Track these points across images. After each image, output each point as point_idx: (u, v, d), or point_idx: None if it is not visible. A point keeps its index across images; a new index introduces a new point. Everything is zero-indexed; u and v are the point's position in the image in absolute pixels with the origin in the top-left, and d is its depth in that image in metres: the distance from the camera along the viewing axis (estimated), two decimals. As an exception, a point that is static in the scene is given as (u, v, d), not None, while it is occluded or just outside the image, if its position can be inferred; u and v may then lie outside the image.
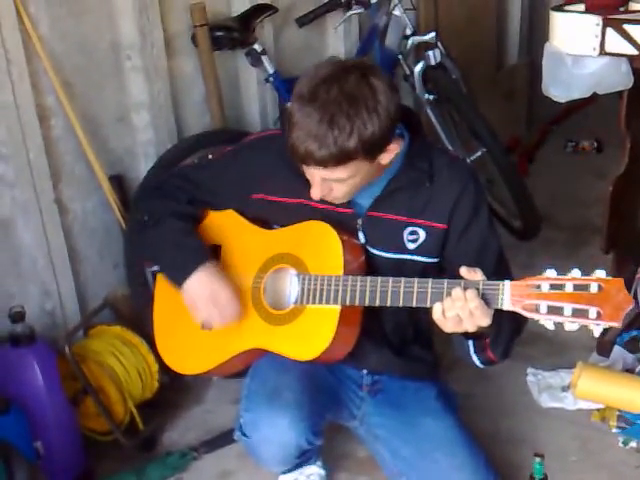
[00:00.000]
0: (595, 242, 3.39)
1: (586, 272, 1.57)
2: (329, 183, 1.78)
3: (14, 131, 2.27)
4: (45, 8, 2.35)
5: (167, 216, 2.01)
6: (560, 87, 2.36)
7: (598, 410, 2.42)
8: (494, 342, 1.81)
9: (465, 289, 1.64)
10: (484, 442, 2.09)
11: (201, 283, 1.91)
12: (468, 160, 3.09)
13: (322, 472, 2.17)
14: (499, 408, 2.51)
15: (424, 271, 1.88)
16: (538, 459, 1.91)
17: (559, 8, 2.40)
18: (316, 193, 1.79)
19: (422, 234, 1.90)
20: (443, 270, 1.92)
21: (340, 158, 1.68)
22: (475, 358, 1.86)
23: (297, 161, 1.74)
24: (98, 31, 2.53)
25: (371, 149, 1.71)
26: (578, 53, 2.30)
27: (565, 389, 2.51)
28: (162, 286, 2.12)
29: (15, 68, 2.24)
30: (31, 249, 2.42)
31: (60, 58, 2.41)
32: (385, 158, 1.78)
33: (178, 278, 1.94)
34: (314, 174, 1.76)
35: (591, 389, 2.32)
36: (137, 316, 2.58)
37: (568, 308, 1.55)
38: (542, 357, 2.69)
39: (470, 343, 1.82)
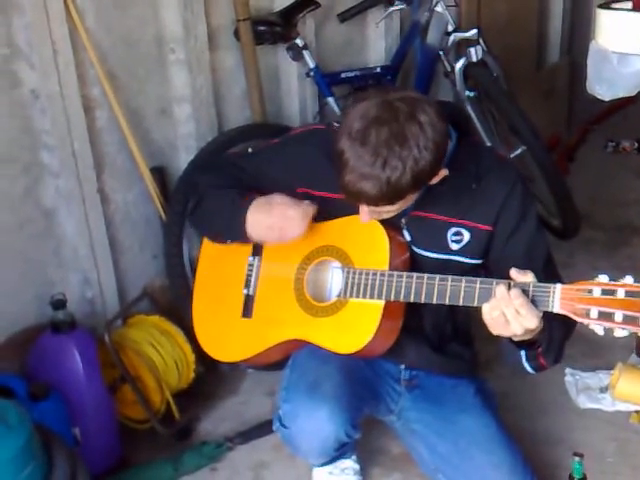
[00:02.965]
0: (635, 242, 3.38)
1: (638, 279, 1.56)
2: (379, 212, 1.79)
3: (59, 121, 2.31)
4: (91, 0, 2.37)
5: (209, 190, 2.04)
6: (605, 85, 2.33)
7: (637, 412, 2.40)
8: (547, 351, 1.81)
9: (510, 288, 1.63)
10: (521, 441, 2.09)
11: (255, 220, 1.93)
12: (507, 158, 3.07)
13: (356, 466, 2.17)
14: (536, 407, 2.49)
15: (468, 272, 1.86)
16: (577, 459, 1.89)
17: (606, 6, 2.37)
18: (365, 219, 1.81)
19: (466, 235, 1.90)
20: (490, 273, 1.89)
21: (393, 197, 1.70)
22: (527, 365, 1.85)
23: (348, 199, 1.74)
24: (143, 24, 2.56)
25: (423, 182, 1.72)
26: (624, 51, 2.27)
27: (603, 390, 2.48)
28: (202, 274, 2.14)
29: (62, 59, 2.27)
30: (73, 238, 2.45)
31: (105, 50, 2.44)
32: (434, 180, 1.78)
33: (238, 232, 1.95)
34: (364, 205, 1.77)
35: (630, 390, 2.30)
36: (175, 307, 2.61)
37: (619, 314, 1.55)
38: (581, 357, 2.66)
39: (522, 353, 1.81)
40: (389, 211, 1.78)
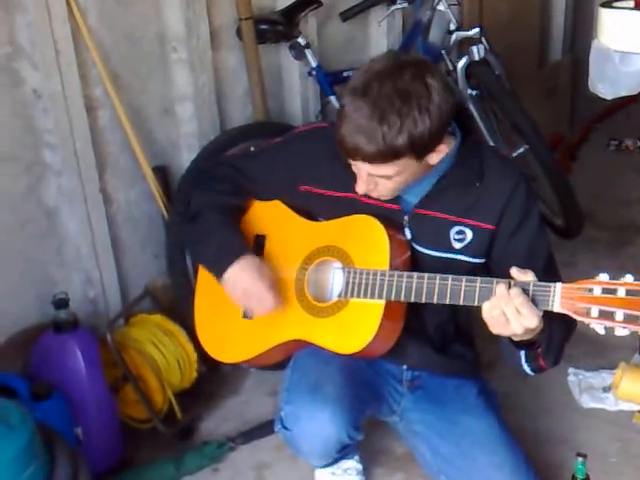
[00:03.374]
0: (638, 241, 3.37)
1: (638, 277, 1.55)
2: (375, 179, 1.77)
3: (62, 121, 2.30)
4: (94, -1, 2.38)
5: (208, 209, 2.03)
6: (607, 84, 2.32)
7: (640, 412, 2.40)
8: (546, 351, 1.80)
9: (510, 287, 1.63)
10: (524, 441, 2.08)
11: (238, 275, 1.92)
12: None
13: (359, 467, 2.17)
14: (539, 407, 2.49)
15: (470, 272, 1.86)
16: (581, 459, 1.88)
17: (608, 4, 2.37)
18: (361, 187, 1.79)
19: (469, 234, 1.89)
20: (491, 272, 1.88)
21: (388, 155, 1.67)
22: (526, 367, 1.85)
23: (345, 155, 1.74)
24: (145, 23, 2.55)
25: (420, 148, 1.70)
26: (626, 50, 2.26)
27: (606, 390, 2.48)
28: (204, 275, 2.13)
29: (64, 58, 2.27)
30: (75, 237, 2.45)
31: (108, 49, 2.44)
32: (434, 158, 1.77)
33: (217, 271, 1.96)
34: (360, 168, 1.76)
35: (633, 390, 2.30)
36: (176, 306, 2.61)
37: (620, 313, 1.54)
38: (583, 357, 2.66)
39: (522, 353, 1.81)
40: (385, 176, 1.75)
